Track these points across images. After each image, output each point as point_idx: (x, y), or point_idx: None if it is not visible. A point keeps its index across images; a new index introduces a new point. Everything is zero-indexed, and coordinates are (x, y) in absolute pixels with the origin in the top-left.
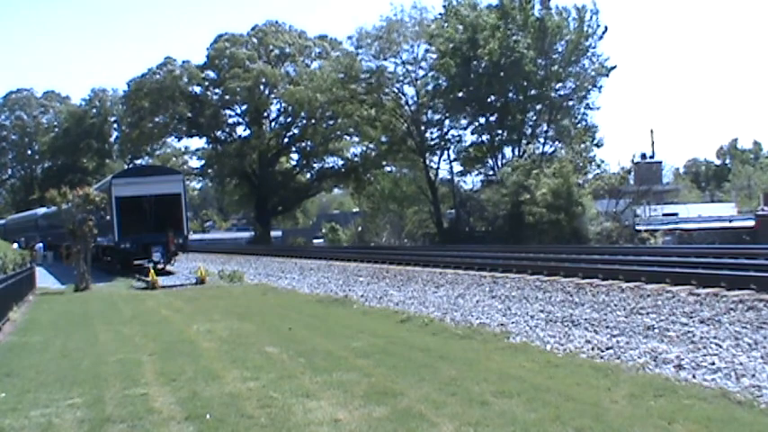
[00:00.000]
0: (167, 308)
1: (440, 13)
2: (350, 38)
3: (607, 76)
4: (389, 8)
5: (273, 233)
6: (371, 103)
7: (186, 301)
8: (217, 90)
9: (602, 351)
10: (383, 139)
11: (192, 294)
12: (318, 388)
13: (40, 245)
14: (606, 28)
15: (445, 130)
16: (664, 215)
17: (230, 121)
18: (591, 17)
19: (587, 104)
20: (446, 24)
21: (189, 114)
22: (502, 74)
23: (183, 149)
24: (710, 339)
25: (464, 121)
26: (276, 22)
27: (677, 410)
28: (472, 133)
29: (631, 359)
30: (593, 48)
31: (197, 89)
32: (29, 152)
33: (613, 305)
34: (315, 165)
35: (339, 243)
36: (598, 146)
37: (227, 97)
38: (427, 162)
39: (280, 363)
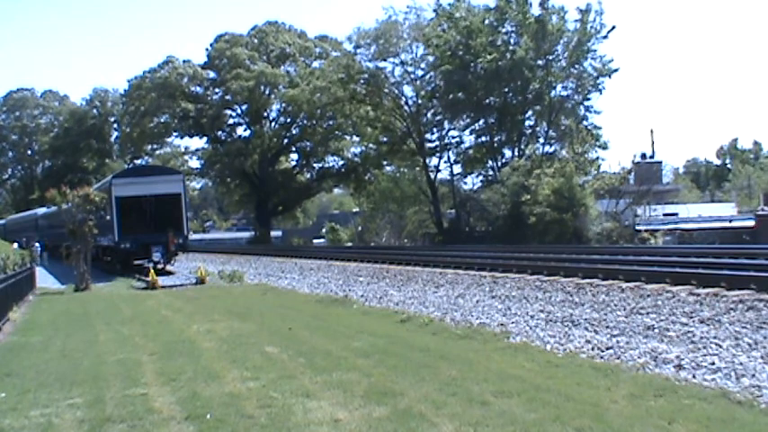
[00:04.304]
0: (167, 308)
1: (432, 18)
2: (349, 38)
3: (609, 77)
4: (388, 8)
5: (273, 233)
6: (371, 104)
7: (186, 301)
8: (217, 90)
9: (602, 351)
10: (383, 139)
11: (192, 294)
12: (318, 388)
13: (37, 244)
14: (614, 27)
15: (445, 131)
16: (664, 215)
17: (231, 121)
18: (594, 18)
19: (588, 107)
20: (442, 27)
21: (191, 114)
22: (500, 76)
23: (183, 149)
24: (710, 339)
25: (463, 123)
26: (276, 22)
27: (677, 410)
28: (471, 134)
29: (631, 359)
30: (594, 50)
31: (198, 89)
32: (29, 152)
33: (613, 305)
34: (315, 165)
35: (341, 243)
36: (603, 148)
37: (227, 97)
38: (427, 162)
39: (280, 363)
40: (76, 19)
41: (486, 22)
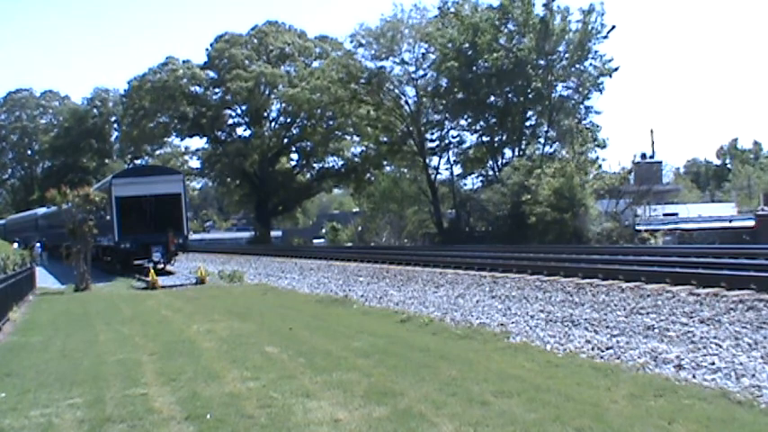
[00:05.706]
0: (167, 308)
1: (435, 15)
2: (351, 36)
3: (610, 76)
4: (390, 8)
5: (273, 233)
6: (372, 104)
7: (186, 301)
8: (217, 90)
9: (602, 351)
10: (383, 139)
11: (192, 294)
12: (318, 388)
13: (38, 244)
14: (614, 26)
15: (445, 130)
16: (664, 215)
17: (231, 121)
18: (596, 18)
19: (588, 107)
20: (447, 26)
21: (191, 114)
22: (502, 75)
23: (183, 150)
24: (710, 339)
25: (464, 122)
26: (276, 22)
27: (677, 410)
28: (472, 134)
29: (631, 359)
30: (595, 51)
31: (198, 89)
32: (29, 152)
33: (613, 305)
34: (315, 165)
35: (341, 243)
36: (601, 147)
37: (227, 97)
38: (427, 162)
39: (280, 363)
40: (76, 19)
41: (489, 20)
